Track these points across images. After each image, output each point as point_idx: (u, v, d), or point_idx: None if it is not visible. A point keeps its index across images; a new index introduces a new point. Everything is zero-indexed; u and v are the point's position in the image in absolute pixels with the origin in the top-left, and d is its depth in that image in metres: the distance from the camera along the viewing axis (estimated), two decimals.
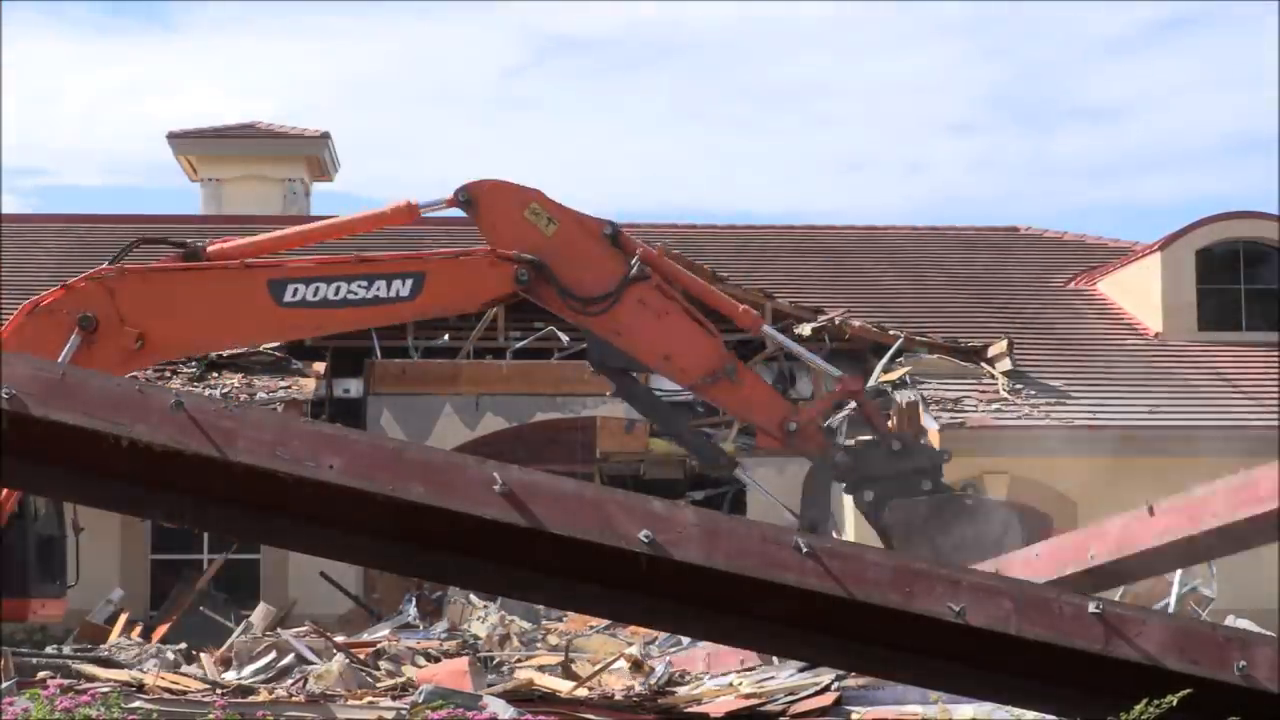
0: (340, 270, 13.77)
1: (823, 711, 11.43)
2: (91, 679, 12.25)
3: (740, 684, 12.66)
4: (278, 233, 14.56)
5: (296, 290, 13.65)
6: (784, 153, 73.64)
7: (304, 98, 73.85)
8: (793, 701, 11.60)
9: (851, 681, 11.92)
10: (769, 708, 11.58)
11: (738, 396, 14.32)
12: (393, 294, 13.76)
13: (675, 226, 32.35)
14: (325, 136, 34.90)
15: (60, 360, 13.03)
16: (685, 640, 15.71)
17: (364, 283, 13.73)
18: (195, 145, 34.54)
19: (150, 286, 13.71)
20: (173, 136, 34.48)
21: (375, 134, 72.48)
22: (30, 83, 71.08)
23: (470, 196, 14.04)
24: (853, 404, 24.85)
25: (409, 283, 13.78)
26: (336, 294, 13.70)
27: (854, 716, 11.24)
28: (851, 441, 14.70)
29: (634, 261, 13.99)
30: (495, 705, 10.88)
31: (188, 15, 77.96)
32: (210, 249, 14.12)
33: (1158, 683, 8.34)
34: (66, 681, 10.80)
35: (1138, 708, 8.27)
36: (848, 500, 24.18)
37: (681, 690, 12.96)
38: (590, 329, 14.14)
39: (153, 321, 13.55)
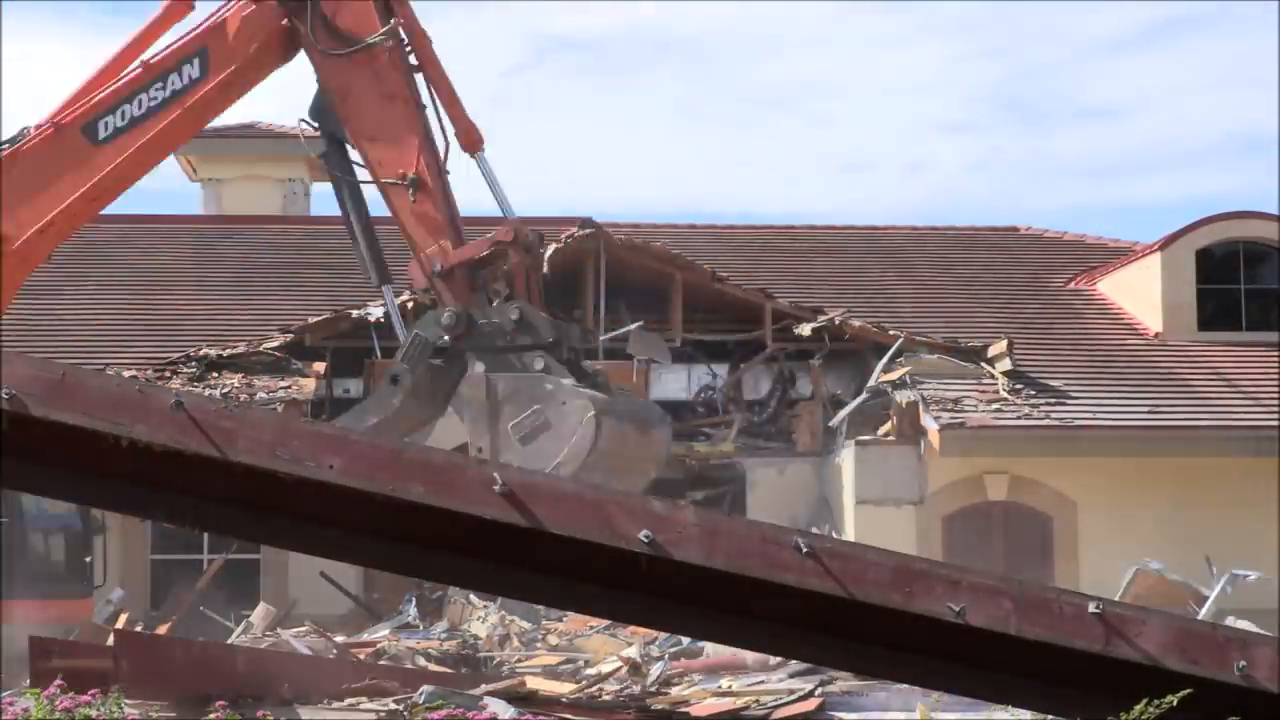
0: (134, 84, 13.57)
1: (806, 717, 11.46)
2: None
3: (731, 686, 12.69)
4: (71, 92, 14.04)
5: (107, 123, 13.50)
6: (784, 153, 73.66)
7: (298, 97, 73.74)
8: (776, 706, 11.62)
9: (836, 688, 11.95)
10: (752, 712, 11.60)
11: (409, 209, 13.49)
12: (185, 80, 13.51)
13: (675, 226, 32.34)
14: None
15: None
16: (685, 640, 15.74)
17: (158, 84, 13.54)
18: (195, 145, 34.41)
19: None
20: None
21: None
22: (29, 82, 71.04)
23: None
24: (863, 397, 25.14)
25: (195, 62, 13.59)
26: (140, 108, 13.51)
27: None
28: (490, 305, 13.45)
29: (394, 22, 13.37)
30: (495, 705, 10.89)
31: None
32: (33, 129, 13.85)
33: (1158, 683, 8.34)
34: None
35: (1138, 708, 8.28)
36: (848, 502, 24.29)
37: (673, 691, 12.99)
38: (322, 76, 13.51)
39: (2, 219, 13.41)
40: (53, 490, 10.01)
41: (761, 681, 12.83)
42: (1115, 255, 30.39)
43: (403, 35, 13.29)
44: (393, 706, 11.50)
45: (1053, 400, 24.66)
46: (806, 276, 30.08)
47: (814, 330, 26.40)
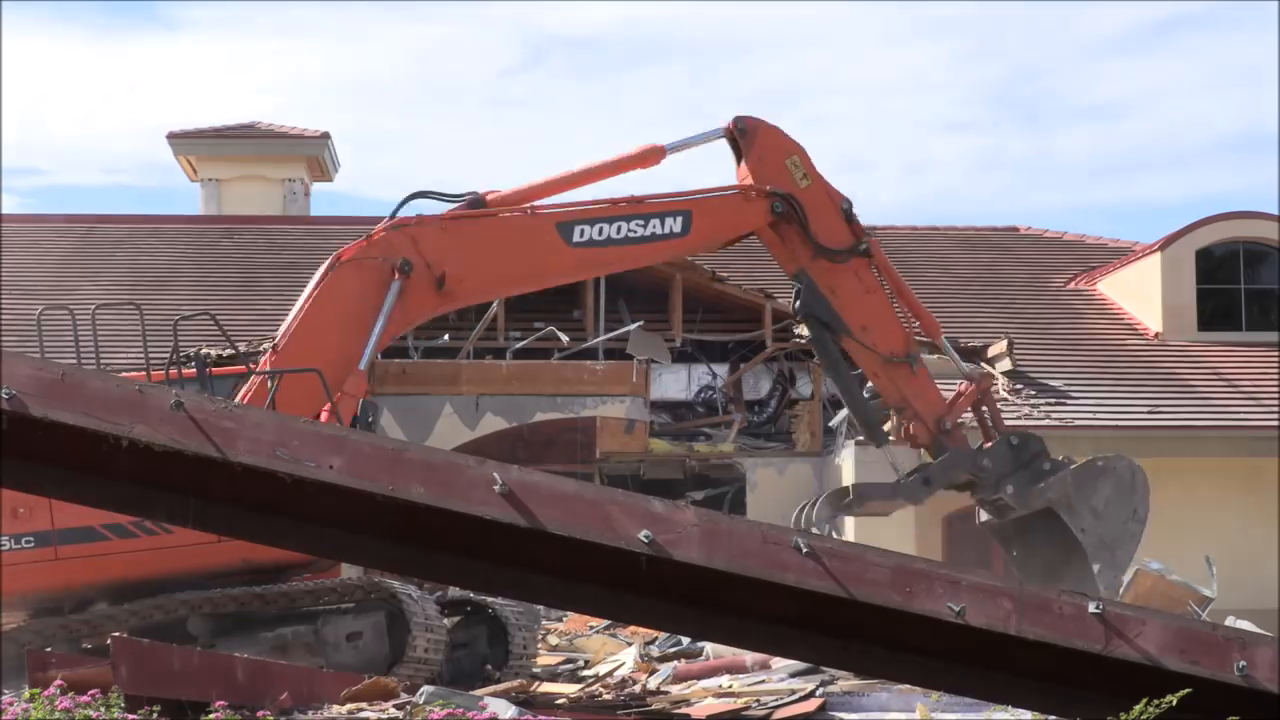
0: (620, 211, 15.13)
1: (806, 718, 11.45)
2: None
3: (731, 686, 12.68)
4: (543, 181, 15.48)
5: (583, 231, 14.97)
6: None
7: (302, 97, 73.89)
8: (777, 706, 11.61)
9: (837, 688, 11.94)
10: (752, 712, 11.60)
11: (912, 384, 15.94)
12: (666, 230, 15.20)
13: None
14: (325, 137, 34.90)
15: (387, 307, 14.30)
16: (685, 640, 15.74)
17: (641, 221, 15.14)
18: (195, 145, 34.54)
19: (449, 235, 14.74)
20: (173, 136, 34.48)
21: (373, 133, 72.52)
22: (28, 82, 71.09)
23: (747, 127, 15.48)
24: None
25: (679, 219, 15.25)
26: (618, 233, 15.08)
27: None
28: (980, 447, 16.18)
29: (865, 239, 15.54)
30: (495, 705, 10.89)
31: (186, 14, 78.01)
32: (489, 198, 15.15)
33: (1158, 683, 8.33)
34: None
35: (1137, 708, 8.27)
36: None
37: (673, 691, 12.99)
38: (813, 278, 15.32)
39: (455, 266, 14.60)
40: (53, 490, 10.00)
41: (762, 681, 12.83)
42: (1115, 255, 30.38)
43: (868, 248, 15.53)
44: (394, 713, 11.48)
45: (1053, 400, 24.66)
46: None
47: None
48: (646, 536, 8.27)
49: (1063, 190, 73.70)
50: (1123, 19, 71.07)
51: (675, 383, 27.56)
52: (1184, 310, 27.19)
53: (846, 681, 12.12)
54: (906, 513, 24.01)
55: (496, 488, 8.27)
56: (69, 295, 28.36)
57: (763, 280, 28.42)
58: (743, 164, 15.47)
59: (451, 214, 14.96)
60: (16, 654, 13.92)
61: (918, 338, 23.20)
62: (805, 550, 8.35)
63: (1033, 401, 24.58)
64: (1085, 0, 67.61)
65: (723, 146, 15.70)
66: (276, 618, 14.98)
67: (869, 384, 16.33)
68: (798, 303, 15.44)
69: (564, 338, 26.97)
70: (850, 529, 23.86)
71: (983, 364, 25.64)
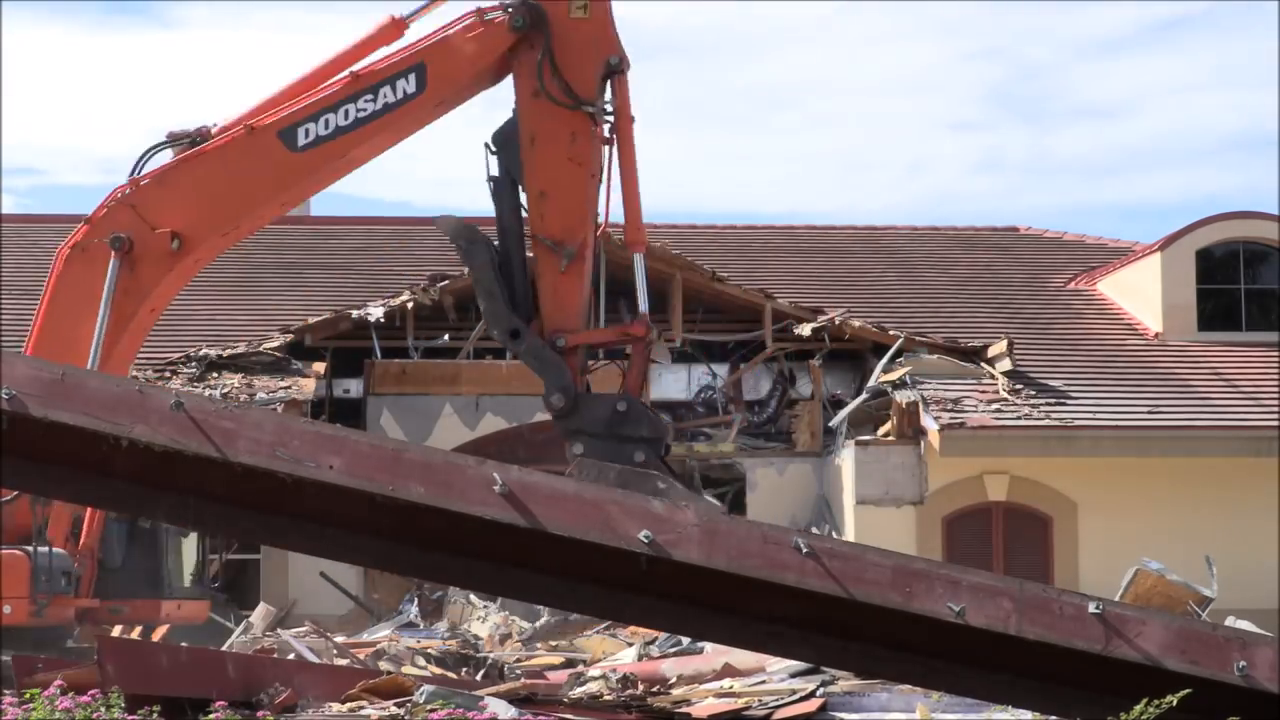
0: (341, 93, 13.34)
1: (807, 718, 11.44)
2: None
3: (733, 686, 12.68)
4: (269, 95, 13.93)
5: (308, 130, 13.35)
6: (784, 153, 73.68)
7: None
8: (777, 706, 11.61)
9: (838, 688, 11.92)
10: (753, 712, 11.59)
11: (554, 279, 12.84)
12: (399, 95, 13.34)
13: (675, 226, 32.34)
14: None
15: (106, 289, 13.14)
16: (684, 640, 15.73)
17: (369, 96, 13.34)
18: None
19: (167, 187, 13.59)
20: (172, 136, 34.45)
21: None
22: (25, 81, 71.05)
23: None
24: (863, 397, 25.16)
25: (411, 77, 13.36)
26: (346, 118, 13.35)
27: None
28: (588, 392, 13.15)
29: (606, 102, 12.89)
30: (495, 705, 10.88)
31: (185, 13, 77.98)
32: (214, 130, 13.85)
33: (1158, 683, 8.34)
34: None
35: (1137, 708, 8.28)
36: (848, 502, 24.29)
37: (675, 692, 12.99)
38: (522, 113, 12.90)
39: (181, 217, 13.43)
40: (53, 490, 10.01)
41: (763, 681, 12.82)
42: (1115, 255, 30.39)
43: (609, 109, 12.91)
44: (394, 710, 11.48)
45: (1053, 400, 24.67)
46: (806, 276, 30.10)
47: (814, 330, 26.41)
48: (646, 536, 8.28)
49: (1063, 190, 73.72)
50: (1123, 19, 71.08)
51: (675, 383, 27.56)
52: (1184, 310, 27.20)
53: (847, 681, 12.11)
54: (906, 512, 24.09)
55: (496, 488, 8.28)
56: None
57: (763, 280, 28.44)
58: None
59: (167, 163, 13.75)
60: None
61: (917, 338, 22.72)
62: (805, 550, 8.36)
63: (1033, 401, 24.58)
64: (1085, 0, 67.62)
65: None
66: None
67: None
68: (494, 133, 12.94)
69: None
70: (850, 529, 23.89)
71: (983, 364, 25.66)
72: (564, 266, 12.78)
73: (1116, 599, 13.12)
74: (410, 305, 26.71)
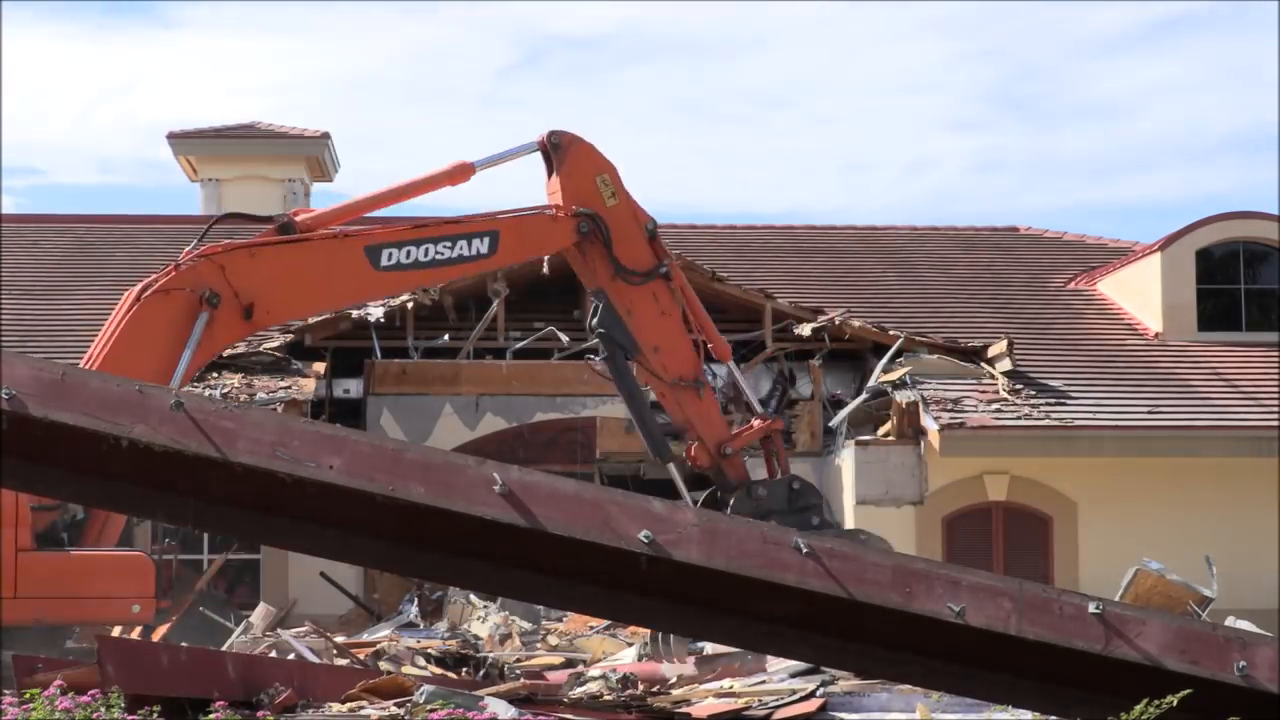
0: (427, 234, 15.22)
1: (807, 718, 11.43)
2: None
3: (733, 686, 12.68)
4: (353, 200, 15.72)
5: (391, 255, 15.05)
6: (784, 153, 73.69)
7: (298, 97, 73.85)
8: (777, 706, 11.61)
9: (838, 688, 11.93)
10: (753, 712, 11.58)
11: (696, 406, 15.86)
12: (473, 252, 15.34)
13: (675, 226, 32.34)
14: (325, 137, 34.90)
15: (194, 338, 14.39)
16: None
17: (448, 243, 15.25)
18: (195, 145, 34.55)
19: (257, 260, 14.80)
20: (173, 136, 34.49)
21: (369, 133, 72.50)
22: (23, 81, 71.07)
23: (560, 143, 15.56)
24: (863, 397, 25.15)
25: (486, 240, 15.34)
26: (425, 255, 15.17)
27: None
28: (762, 479, 16.20)
29: (666, 261, 15.67)
30: (495, 705, 10.88)
31: (183, 12, 77.98)
32: (298, 219, 15.29)
33: (1158, 683, 8.33)
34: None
35: (1137, 708, 8.27)
36: (848, 502, 24.28)
37: (675, 692, 12.98)
38: (611, 297, 15.49)
39: (260, 293, 14.71)
40: (53, 491, 10.01)
41: (763, 681, 12.82)
42: (1115, 255, 30.39)
43: (669, 272, 15.67)
44: (394, 710, 11.47)
45: (1053, 400, 24.67)
46: (806, 276, 30.09)
47: (814, 330, 26.41)
48: (646, 536, 8.28)
49: (1063, 190, 73.72)
50: (1123, 18, 71.09)
51: None
52: (1184, 310, 27.20)
53: (847, 681, 12.11)
54: (906, 512, 24.10)
55: (496, 488, 8.27)
56: (69, 295, 28.42)
57: (763, 280, 28.43)
58: (553, 177, 15.58)
59: (259, 239, 15.08)
60: None
61: (917, 338, 23.27)
62: (805, 550, 8.36)
63: (1033, 401, 24.58)
64: (1085, 0, 67.61)
65: (536, 159, 15.76)
66: None
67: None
68: (593, 319, 15.60)
69: (564, 338, 26.96)
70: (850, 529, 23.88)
71: (983, 364, 25.66)
72: (700, 395, 15.84)
73: (1116, 599, 13.12)
74: (410, 305, 26.71)
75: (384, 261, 15.02)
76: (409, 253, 15.11)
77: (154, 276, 14.92)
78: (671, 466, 16.44)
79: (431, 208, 66.74)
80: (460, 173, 15.54)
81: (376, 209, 15.95)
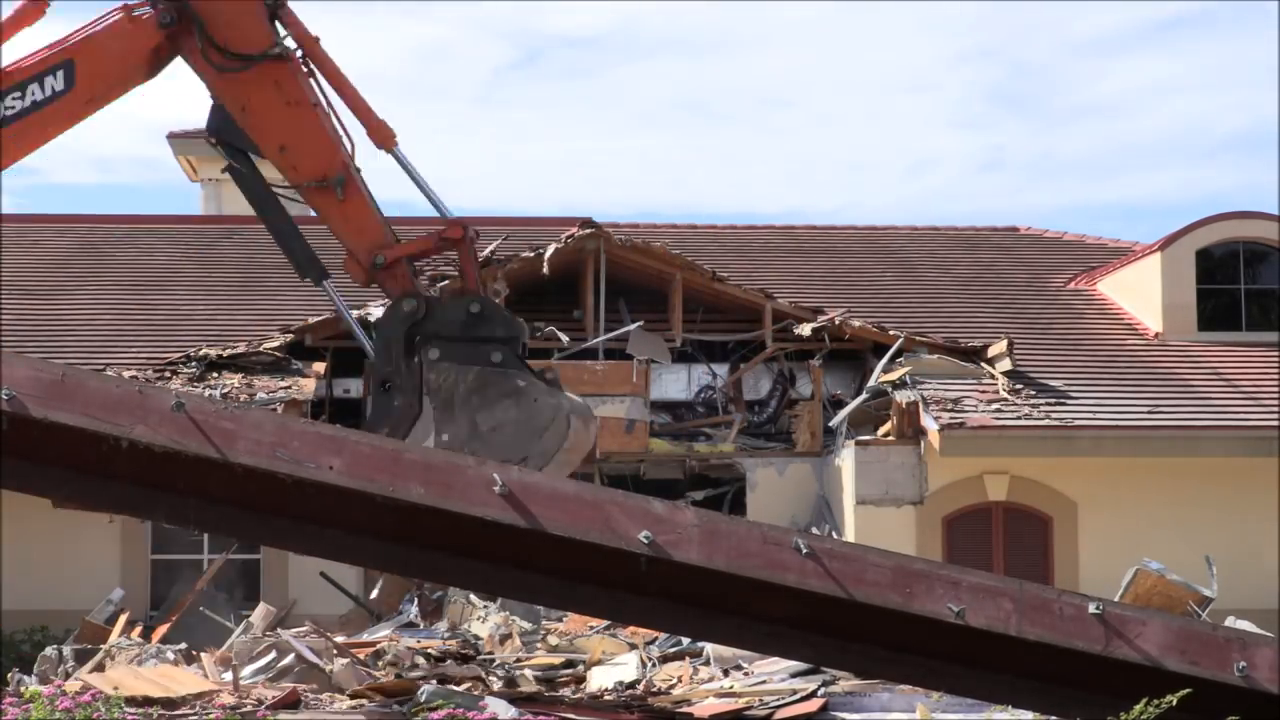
0: None
1: (808, 718, 11.45)
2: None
3: (732, 686, 12.69)
4: None
5: None
6: (784, 152, 73.69)
7: None
8: (778, 706, 11.62)
9: (839, 687, 11.93)
10: (754, 712, 11.60)
11: (339, 211, 13.35)
12: (49, 92, 13.13)
13: (675, 226, 32.34)
14: None
15: None
16: (685, 640, 15.74)
17: (16, 94, 13.12)
18: (195, 145, 34.51)
19: None
20: (173, 136, 34.50)
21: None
22: None
23: None
24: (863, 397, 25.17)
25: (60, 74, 13.18)
26: None
27: None
28: (434, 292, 13.44)
29: (283, 38, 13.11)
30: (495, 705, 10.89)
31: None
32: None
33: (1158, 683, 8.34)
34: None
35: (1137, 708, 8.28)
36: (848, 503, 24.29)
37: (676, 691, 12.99)
38: (217, 93, 13.25)
39: None
40: (53, 491, 10.00)
41: (763, 681, 12.83)
42: (1115, 255, 30.40)
43: (292, 43, 13.12)
44: (395, 708, 11.50)
45: (1053, 400, 24.66)
46: (806, 276, 30.09)
47: (814, 330, 26.41)
48: (647, 537, 8.28)
49: (1064, 190, 73.72)
50: (1123, 18, 71.08)
51: (675, 383, 27.55)
52: (1184, 310, 27.20)
53: (848, 681, 12.12)
54: (906, 512, 24.10)
55: (496, 488, 8.28)
56: (69, 296, 28.42)
57: (763, 280, 28.43)
58: None
59: None
60: None
61: (917, 338, 22.74)
62: (805, 551, 8.36)
63: (1033, 401, 24.58)
64: (1085, 0, 67.61)
65: None
66: None
67: None
68: (208, 125, 13.33)
69: (564, 338, 26.97)
70: (850, 529, 23.89)
71: (983, 364, 25.66)
72: (341, 195, 13.15)
73: (1116, 599, 13.12)
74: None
75: None
76: None
77: None
78: (328, 285, 14.15)
79: None
80: (31, 10, 13.56)
81: None
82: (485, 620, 18.98)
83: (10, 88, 13.04)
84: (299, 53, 13.10)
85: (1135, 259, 28.70)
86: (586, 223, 26.79)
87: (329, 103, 13.31)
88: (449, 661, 14.93)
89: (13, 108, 13.04)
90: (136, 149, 76.85)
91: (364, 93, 13.42)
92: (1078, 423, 24.09)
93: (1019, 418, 24.08)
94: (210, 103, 13.33)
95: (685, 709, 11.98)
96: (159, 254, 30.77)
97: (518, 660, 16.08)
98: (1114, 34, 71.78)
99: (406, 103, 75.02)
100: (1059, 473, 24.40)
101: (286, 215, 13.84)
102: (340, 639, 17.31)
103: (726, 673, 14.05)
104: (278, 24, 13.09)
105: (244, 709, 11.38)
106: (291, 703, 11.82)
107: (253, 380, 24.85)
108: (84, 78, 13.15)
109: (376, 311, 26.18)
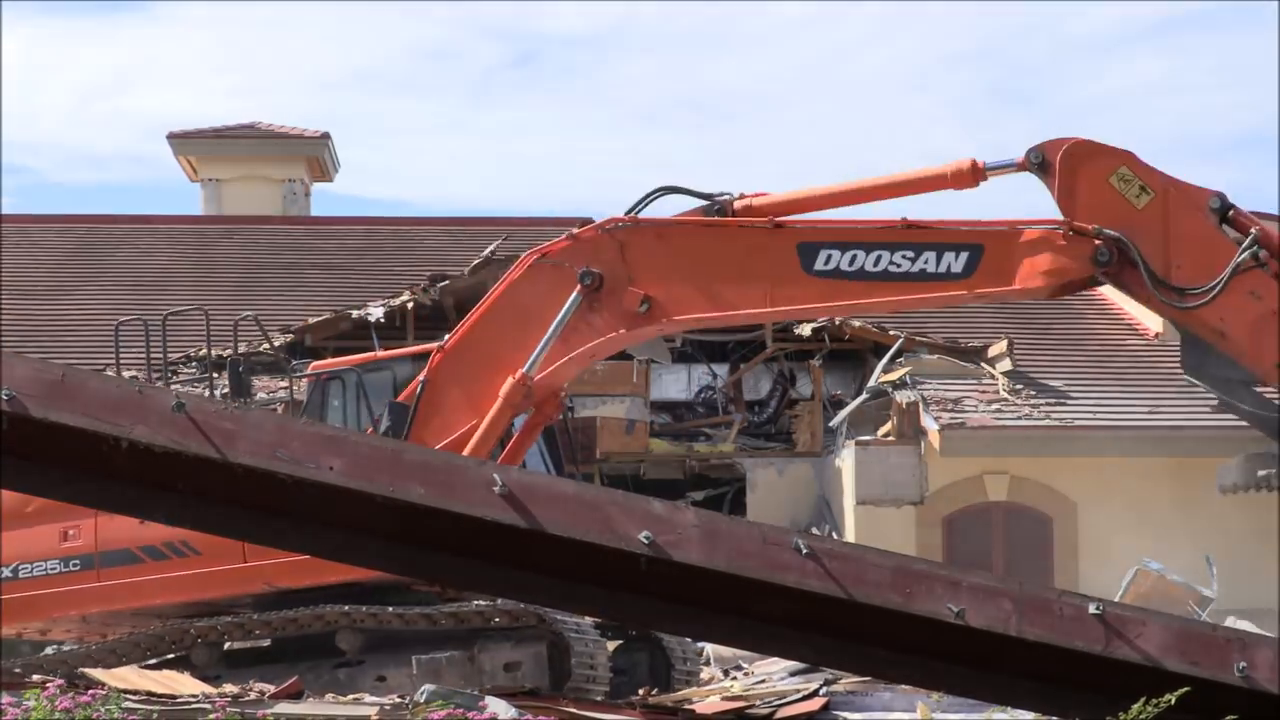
0: (885, 236, 11.82)
1: (810, 717, 11.46)
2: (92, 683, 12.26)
3: (733, 686, 12.71)
4: (810, 189, 12.48)
5: (830, 257, 11.86)
6: (783, 152, 73.65)
7: (296, 95, 73.85)
8: (780, 705, 11.63)
9: (840, 687, 11.94)
10: (756, 710, 11.60)
11: None
12: (943, 269, 11.72)
13: None
14: (325, 137, 34.94)
15: (559, 319, 12.10)
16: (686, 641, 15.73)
17: (910, 253, 11.78)
18: (195, 145, 34.57)
19: (665, 243, 12.22)
20: (173, 136, 34.52)
21: (364, 131, 72.51)
22: (16, 78, 71.01)
23: (1045, 157, 11.79)
24: (863, 397, 25.15)
25: (963, 256, 11.71)
26: (876, 264, 11.82)
27: None
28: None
29: (1246, 243, 11.54)
30: (495, 705, 10.89)
31: (181, 10, 77.95)
32: (737, 205, 12.35)
33: (1158, 683, 8.34)
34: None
35: (1135, 707, 8.28)
36: (848, 503, 24.29)
37: (678, 691, 13.01)
38: (1184, 326, 11.67)
39: (661, 283, 12.11)
40: (53, 492, 10.00)
41: (763, 681, 12.85)
42: None
43: (1258, 253, 11.48)
44: (396, 699, 11.52)
45: (1053, 400, 24.68)
46: None
47: (814, 330, 26.41)
48: (647, 538, 8.28)
49: None
50: (1123, 18, 71.08)
51: (675, 383, 27.55)
52: None
53: (849, 680, 12.13)
54: (906, 512, 24.09)
55: (496, 489, 8.27)
56: (69, 296, 28.42)
57: None
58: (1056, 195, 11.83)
59: (675, 218, 12.46)
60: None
61: (917, 338, 22.50)
62: (805, 551, 8.36)
63: (1033, 401, 24.60)
64: (1087, 0, 67.62)
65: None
66: (431, 638, 13.83)
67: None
68: (1183, 361, 11.62)
69: None
70: (850, 529, 23.89)
71: (983, 364, 25.67)
72: None
73: (1116, 599, 13.12)
74: (410, 305, 26.70)
75: (819, 265, 11.79)
76: (854, 258, 11.77)
77: (550, 243, 12.61)
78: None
79: None
80: (966, 175, 12.08)
81: (841, 206, 12.42)
82: None
83: (907, 244, 11.80)
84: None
85: None
86: (586, 223, 26.77)
87: None
88: None
89: (898, 266, 11.78)
90: (130, 147, 76.91)
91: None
92: (1078, 423, 24.10)
93: (1019, 418, 24.10)
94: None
95: (687, 707, 11.99)
96: (159, 254, 30.76)
97: None
98: (1114, 33, 71.79)
99: (404, 101, 75.06)
100: (1059, 473, 24.40)
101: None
102: None
103: (726, 673, 14.07)
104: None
105: (246, 699, 11.40)
106: (294, 693, 11.84)
107: (253, 380, 24.85)
108: (985, 271, 11.76)
109: (376, 311, 26.27)
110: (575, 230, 12.67)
